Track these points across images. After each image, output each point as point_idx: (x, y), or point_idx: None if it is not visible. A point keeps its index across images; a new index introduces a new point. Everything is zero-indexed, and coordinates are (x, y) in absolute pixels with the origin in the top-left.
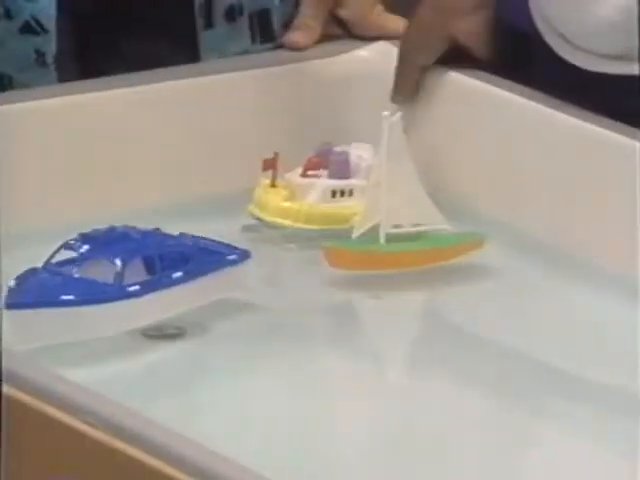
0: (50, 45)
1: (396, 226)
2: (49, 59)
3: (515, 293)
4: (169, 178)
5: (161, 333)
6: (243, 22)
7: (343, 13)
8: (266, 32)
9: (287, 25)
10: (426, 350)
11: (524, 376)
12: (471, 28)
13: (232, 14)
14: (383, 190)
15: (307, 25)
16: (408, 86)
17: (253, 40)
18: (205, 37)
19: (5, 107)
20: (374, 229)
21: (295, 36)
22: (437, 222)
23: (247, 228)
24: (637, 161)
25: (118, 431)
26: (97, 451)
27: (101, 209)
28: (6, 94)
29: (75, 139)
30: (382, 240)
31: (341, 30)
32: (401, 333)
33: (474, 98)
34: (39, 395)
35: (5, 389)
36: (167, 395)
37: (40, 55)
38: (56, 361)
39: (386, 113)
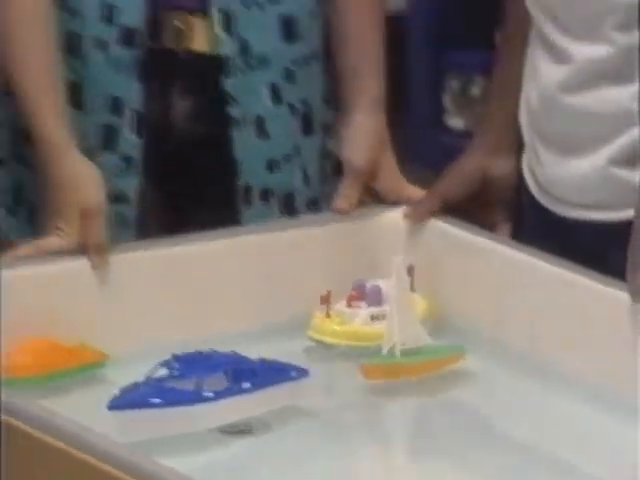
0: (132, 212)
1: (402, 344)
2: (131, 222)
3: (509, 395)
4: (243, 310)
5: (233, 430)
6: (274, 203)
7: (377, 186)
8: (291, 211)
9: (314, 202)
10: (439, 441)
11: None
12: (507, 172)
13: (266, 196)
14: (395, 318)
15: (348, 195)
16: (423, 214)
17: (281, 215)
18: (245, 213)
19: (128, 254)
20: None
21: (340, 204)
22: (425, 339)
23: (306, 349)
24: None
25: None
26: None
27: (191, 335)
28: (129, 245)
29: (173, 284)
30: (398, 354)
31: (373, 197)
32: (427, 431)
33: (465, 246)
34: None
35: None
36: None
37: (123, 218)
38: (150, 451)
39: (395, 257)
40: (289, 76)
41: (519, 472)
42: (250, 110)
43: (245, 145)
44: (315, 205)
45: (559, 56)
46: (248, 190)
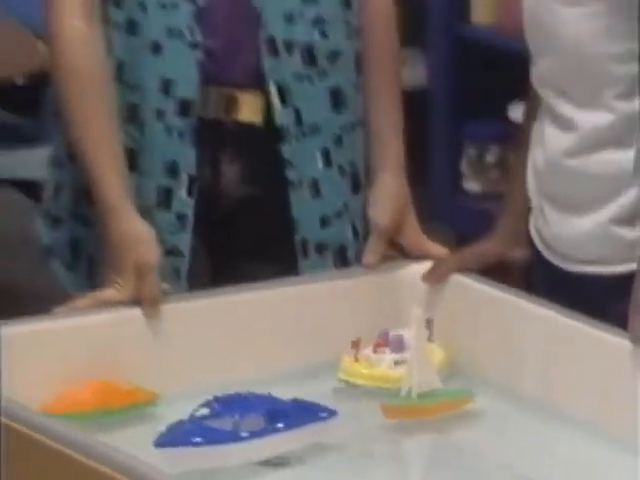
0: (185, 265)
1: (419, 387)
2: (183, 274)
3: (517, 434)
4: (280, 354)
5: (270, 462)
6: (328, 255)
7: (401, 241)
8: (344, 263)
9: (360, 254)
10: (450, 474)
11: None
12: (523, 258)
13: (321, 249)
14: (414, 365)
15: (375, 251)
16: (439, 277)
17: (335, 266)
18: (302, 263)
19: (180, 304)
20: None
21: (368, 259)
22: (438, 384)
23: (336, 389)
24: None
25: None
26: None
27: (232, 377)
28: (179, 295)
29: (217, 331)
30: (414, 396)
31: (399, 252)
32: (439, 465)
33: (480, 299)
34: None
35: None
36: None
37: (177, 270)
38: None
39: (415, 310)
40: (338, 141)
41: None
42: (305, 173)
43: (301, 204)
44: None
45: (564, 125)
46: (305, 244)
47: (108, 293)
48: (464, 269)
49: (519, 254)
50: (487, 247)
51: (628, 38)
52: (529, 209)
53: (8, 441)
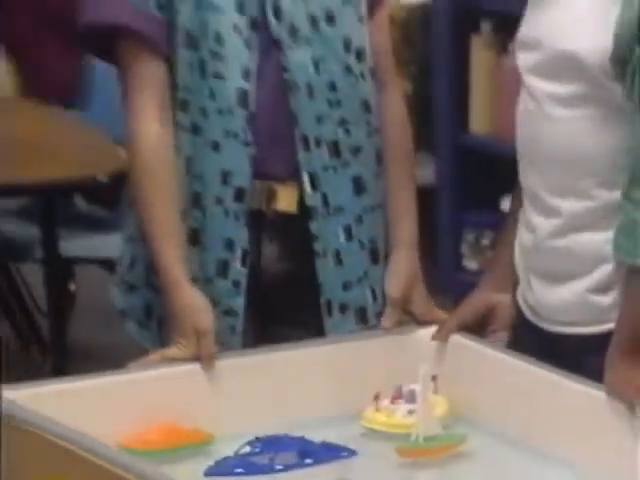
0: (239, 323)
1: (425, 433)
2: (238, 331)
3: (504, 469)
4: (313, 404)
5: None
6: (350, 314)
7: (412, 309)
8: (364, 321)
9: (381, 314)
10: None
11: None
12: (507, 304)
13: (343, 309)
14: (420, 414)
15: (390, 317)
16: (445, 335)
17: (356, 324)
18: (327, 321)
19: (231, 360)
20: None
21: (385, 324)
22: (439, 430)
23: (361, 434)
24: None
25: None
26: None
27: (272, 422)
28: (232, 352)
29: (261, 383)
30: (421, 440)
31: (411, 317)
32: None
33: (477, 356)
34: None
35: None
36: None
37: (233, 329)
38: None
39: (421, 367)
40: (359, 220)
41: None
42: (329, 245)
43: (326, 271)
44: (381, 316)
45: (548, 211)
46: (329, 305)
47: (172, 351)
48: (463, 325)
49: (502, 301)
50: (476, 297)
51: (613, 135)
52: (511, 269)
53: (90, 474)
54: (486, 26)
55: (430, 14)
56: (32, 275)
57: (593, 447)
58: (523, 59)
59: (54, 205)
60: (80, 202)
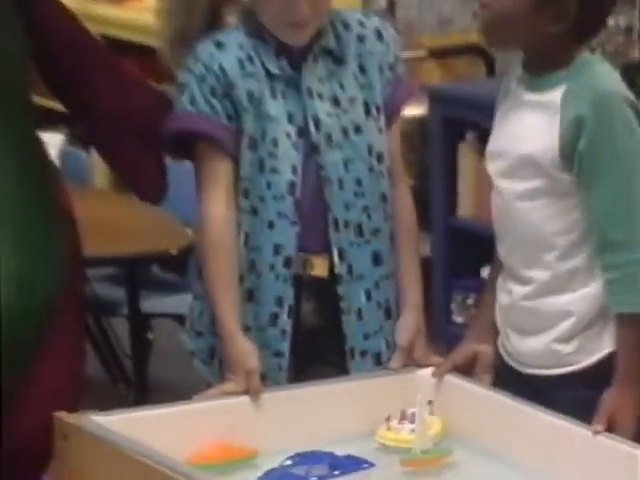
0: (285, 363)
1: (422, 447)
2: (284, 368)
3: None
4: (339, 427)
5: None
6: (368, 359)
7: (415, 355)
8: (379, 364)
9: (390, 358)
10: None
11: None
12: (488, 352)
13: (363, 354)
14: (417, 432)
15: (398, 360)
16: (442, 373)
17: (373, 366)
18: (350, 364)
19: (275, 393)
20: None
21: (393, 365)
22: (429, 445)
23: (376, 449)
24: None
25: None
26: None
27: (307, 441)
28: (274, 387)
29: (301, 410)
30: (418, 453)
31: (413, 361)
32: None
33: (463, 390)
34: None
35: None
36: None
37: (280, 367)
38: None
39: (419, 396)
40: (376, 286)
41: None
42: (353, 305)
43: (350, 325)
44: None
45: (521, 280)
46: (352, 351)
47: (227, 386)
48: (454, 367)
49: (484, 349)
50: (464, 346)
51: (566, 218)
52: (493, 326)
53: None
54: (470, 135)
55: (426, 125)
56: (119, 327)
57: (556, 458)
58: (492, 166)
59: (136, 272)
60: (156, 269)
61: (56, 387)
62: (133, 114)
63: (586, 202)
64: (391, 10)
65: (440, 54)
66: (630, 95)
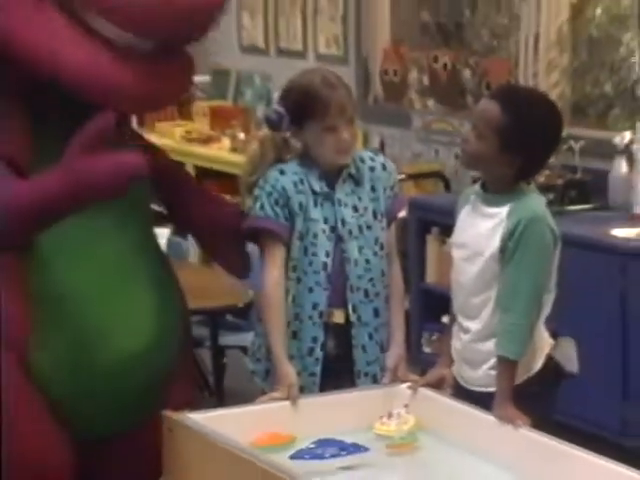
0: (317, 380)
1: (400, 436)
2: (316, 384)
3: (448, 461)
4: (347, 423)
5: (341, 468)
6: (369, 378)
7: (398, 374)
8: (375, 382)
9: (382, 377)
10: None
11: None
12: (451, 377)
13: (366, 375)
14: (399, 425)
15: (388, 378)
16: (418, 386)
17: (372, 382)
18: (357, 382)
19: (306, 400)
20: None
21: (385, 381)
22: (403, 434)
23: (374, 437)
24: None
25: None
26: None
27: (327, 431)
28: (308, 394)
29: (322, 413)
30: (399, 440)
31: (397, 379)
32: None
33: (431, 399)
34: None
35: None
36: None
37: (314, 384)
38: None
39: (405, 403)
40: (376, 330)
41: None
42: (360, 342)
43: (358, 355)
44: (383, 378)
45: (466, 330)
46: (358, 373)
47: (275, 394)
48: (427, 384)
49: (448, 373)
50: (434, 372)
51: (494, 283)
52: (452, 358)
53: (232, 460)
54: (434, 230)
55: (407, 224)
56: (204, 355)
57: (492, 445)
58: (456, 253)
59: (216, 318)
60: (229, 316)
61: (187, 401)
62: (220, 221)
63: (501, 280)
64: (382, 148)
65: (414, 177)
66: (550, 220)
